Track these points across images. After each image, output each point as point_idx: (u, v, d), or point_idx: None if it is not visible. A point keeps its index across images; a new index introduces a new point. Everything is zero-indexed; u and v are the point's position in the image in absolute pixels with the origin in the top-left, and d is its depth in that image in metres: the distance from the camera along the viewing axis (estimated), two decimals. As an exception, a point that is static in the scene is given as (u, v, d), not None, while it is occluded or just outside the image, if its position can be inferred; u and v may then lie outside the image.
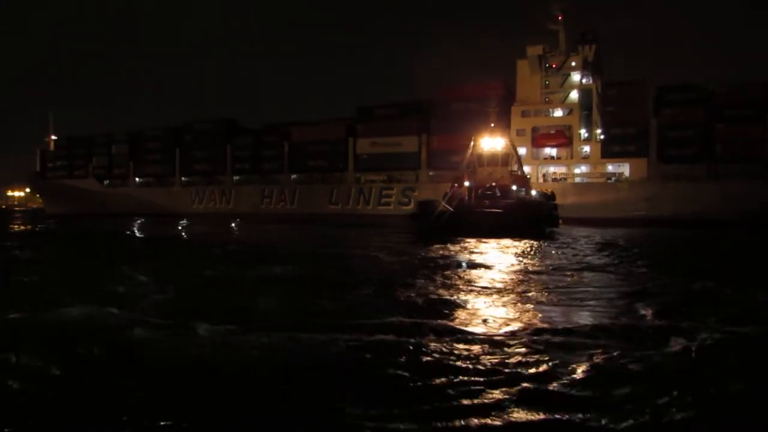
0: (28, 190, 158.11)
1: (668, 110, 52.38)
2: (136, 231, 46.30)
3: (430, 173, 62.92)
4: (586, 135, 58.23)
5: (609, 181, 54.91)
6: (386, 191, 64.41)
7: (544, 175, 58.07)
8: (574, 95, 58.35)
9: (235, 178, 75.60)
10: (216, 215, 71.26)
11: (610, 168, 55.82)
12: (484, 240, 31.64)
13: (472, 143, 42.44)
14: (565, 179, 56.83)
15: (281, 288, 16.09)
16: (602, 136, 56.37)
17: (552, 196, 43.58)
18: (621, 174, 55.07)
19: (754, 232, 39.56)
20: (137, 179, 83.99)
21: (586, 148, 57.32)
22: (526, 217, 35.31)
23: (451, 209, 37.45)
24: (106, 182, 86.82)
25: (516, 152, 44.44)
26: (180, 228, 48.36)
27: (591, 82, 58.53)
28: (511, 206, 36.60)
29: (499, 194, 39.14)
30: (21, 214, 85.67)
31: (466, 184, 40.75)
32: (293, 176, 71.45)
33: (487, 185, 40.11)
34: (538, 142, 57.82)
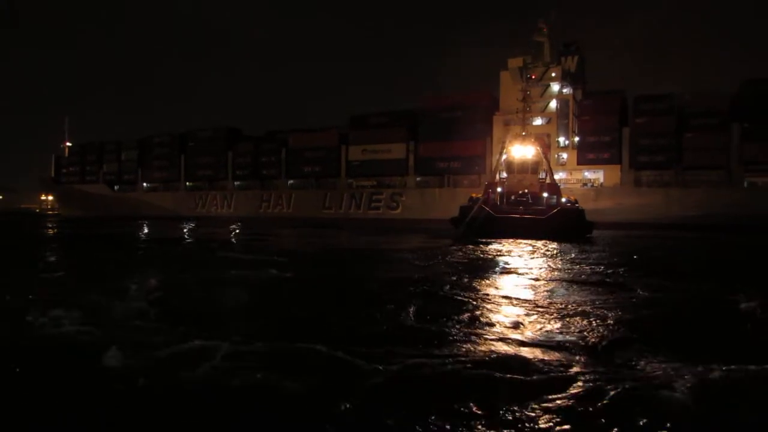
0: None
1: (641, 119, 54.81)
2: (147, 233, 48.36)
3: (417, 179, 65.99)
4: (567, 143, 60.79)
5: (584, 186, 57.39)
6: (376, 196, 67.48)
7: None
8: (553, 105, 61.01)
9: (236, 183, 79.26)
10: (218, 218, 74.94)
11: (586, 174, 58.40)
12: (521, 242, 32.99)
13: (503, 150, 44.26)
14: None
15: (303, 297, 14.59)
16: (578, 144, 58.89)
17: (576, 203, 44.02)
18: (596, 180, 57.64)
19: (715, 233, 42.23)
20: (145, 184, 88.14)
21: (564, 155, 59.88)
22: (570, 223, 37.02)
23: (489, 210, 38.87)
24: (116, 187, 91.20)
25: (547, 160, 45.50)
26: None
27: (570, 92, 61.13)
28: (555, 213, 37.97)
29: (531, 201, 40.54)
30: (52, 218, 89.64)
31: (499, 190, 42.21)
32: (290, 181, 74.90)
33: (520, 191, 41.48)
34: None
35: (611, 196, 54.83)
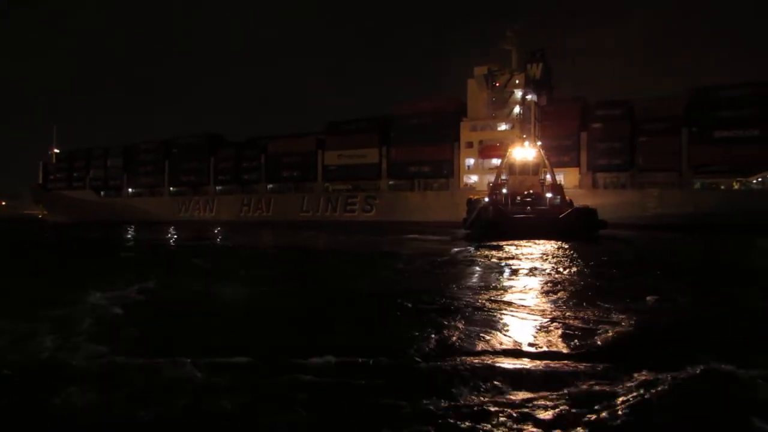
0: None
1: (597, 124, 57.61)
2: (132, 237, 50.06)
3: (390, 182, 68.60)
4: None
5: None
6: (351, 199, 70.10)
7: (489, 183, 63.34)
8: (516, 110, 63.71)
9: (218, 188, 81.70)
10: (201, 222, 77.19)
11: (547, 176, 60.98)
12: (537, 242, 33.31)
13: (507, 153, 45.87)
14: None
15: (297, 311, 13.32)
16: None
17: (571, 203, 44.89)
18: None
19: (666, 232, 44.83)
20: (130, 190, 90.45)
21: (527, 159, 62.50)
22: (585, 222, 37.77)
23: (504, 210, 39.64)
24: (102, 193, 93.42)
25: (548, 162, 46.37)
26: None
27: (533, 98, 63.75)
28: (570, 213, 38.68)
29: (536, 201, 41.76)
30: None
31: (504, 191, 43.40)
32: (269, 186, 77.41)
33: (525, 192, 42.67)
34: (484, 153, 63.17)
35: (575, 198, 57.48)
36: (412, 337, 10.05)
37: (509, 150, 45.51)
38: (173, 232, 54.93)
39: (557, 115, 60.08)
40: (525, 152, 44.51)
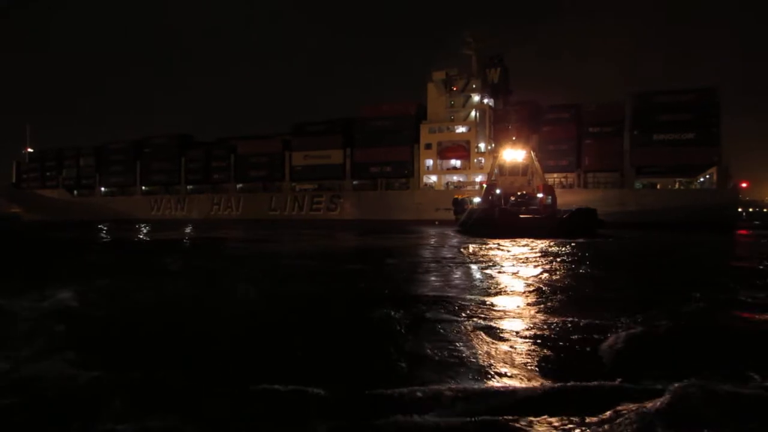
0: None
1: (547, 127, 60.65)
2: (106, 235, 50.43)
3: (354, 182, 71.12)
4: (488, 148, 66.26)
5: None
6: (317, 198, 72.54)
7: (447, 183, 66.28)
8: (474, 114, 66.54)
9: (189, 187, 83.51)
10: (172, 221, 78.86)
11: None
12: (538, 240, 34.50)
13: (497, 154, 47.47)
14: (465, 187, 64.88)
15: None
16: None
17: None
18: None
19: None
20: (102, 189, 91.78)
21: (483, 160, 65.41)
22: (586, 221, 39.41)
23: (509, 209, 41.12)
24: (75, 192, 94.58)
25: (537, 163, 47.58)
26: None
27: (490, 102, 66.71)
28: (573, 213, 40.22)
29: (528, 201, 43.32)
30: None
31: (497, 191, 44.56)
32: (238, 185, 79.46)
33: (518, 193, 44.28)
34: (443, 154, 66.01)
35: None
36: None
37: (499, 151, 47.18)
38: (155, 231, 56.63)
39: (507, 119, 62.80)
40: (515, 153, 46.17)
